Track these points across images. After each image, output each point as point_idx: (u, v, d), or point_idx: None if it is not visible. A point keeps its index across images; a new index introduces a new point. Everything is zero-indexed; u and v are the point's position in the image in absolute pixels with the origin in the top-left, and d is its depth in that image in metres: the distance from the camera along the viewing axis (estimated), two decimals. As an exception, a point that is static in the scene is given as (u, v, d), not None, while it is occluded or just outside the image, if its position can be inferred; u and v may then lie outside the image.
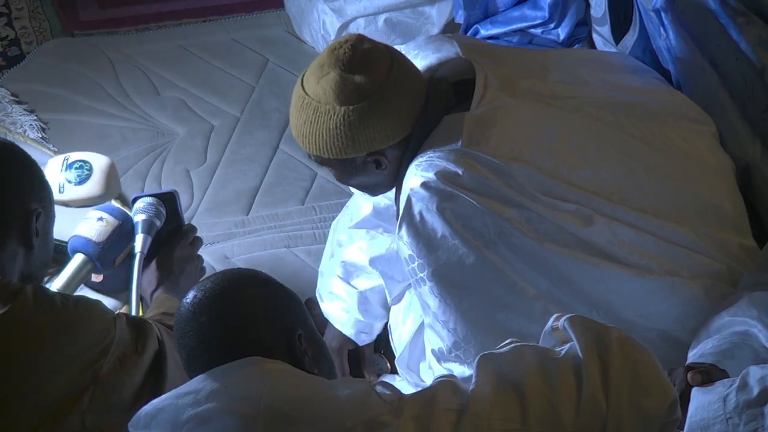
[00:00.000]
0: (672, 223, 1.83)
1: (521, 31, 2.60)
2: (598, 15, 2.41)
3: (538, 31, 2.57)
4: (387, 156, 1.80)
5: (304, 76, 1.80)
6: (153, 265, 1.94)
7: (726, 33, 2.02)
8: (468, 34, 2.66)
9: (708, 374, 1.48)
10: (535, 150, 1.79)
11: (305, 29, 3.00)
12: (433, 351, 1.87)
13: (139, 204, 1.96)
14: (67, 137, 2.69)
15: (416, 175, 1.75)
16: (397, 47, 1.90)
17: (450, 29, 2.76)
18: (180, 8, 3.18)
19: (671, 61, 2.14)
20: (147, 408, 1.36)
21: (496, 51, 2.02)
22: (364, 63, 1.74)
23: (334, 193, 2.58)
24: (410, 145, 1.79)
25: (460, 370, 1.82)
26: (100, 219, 1.93)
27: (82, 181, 2.21)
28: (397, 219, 1.79)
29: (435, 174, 1.73)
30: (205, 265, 2.04)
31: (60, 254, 1.94)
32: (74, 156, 2.24)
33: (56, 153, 2.59)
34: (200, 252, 2.06)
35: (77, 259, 1.89)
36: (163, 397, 1.37)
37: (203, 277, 1.76)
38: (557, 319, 1.38)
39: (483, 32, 2.63)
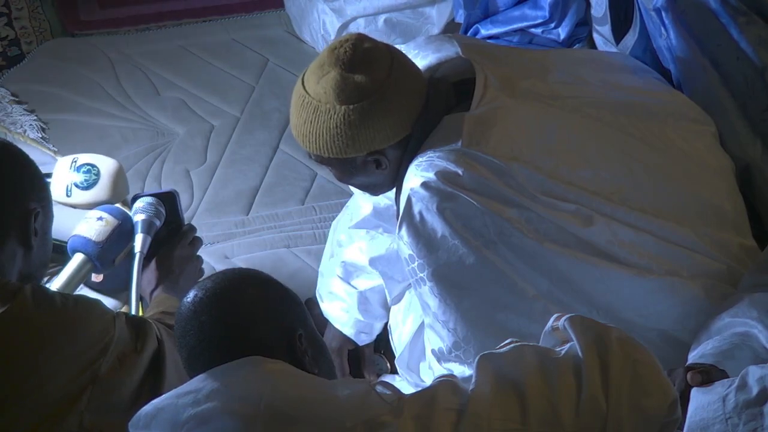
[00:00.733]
0: (672, 223, 1.83)
1: (521, 30, 2.60)
2: (598, 15, 2.41)
3: (539, 30, 2.57)
4: (387, 156, 1.79)
5: (304, 75, 1.80)
6: (153, 264, 1.94)
7: (727, 32, 2.01)
8: (468, 33, 2.66)
9: (708, 374, 1.47)
10: (535, 150, 1.79)
11: (305, 29, 3.00)
12: (433, 351, 1.87)
13: (139, 204, 1.96)
14: (67, 137, 2.69)
15: (416, 175, 1.75)
16: (397, 47, 1.90)
17: (450, 29, 2.76)
18: (180, 8, 3.18)
19: (672, 60, 2.13)
20: (147, 408, 1.36)
21: (496, 51, 2.02)
22: (365, 62, 1.74)
23: (334, 193, 2.58)
24: (410, 145, 1.79)
25: (461, 370, 1.82)
26: (100, 219, 1.93)
27: (89, 185, 2.21)
28: (397, 219, 1.79)
29: (435, 174, 1.73)
30: (204, 265, 2.04)
31: (60, 254, 1.94)
32: (83, 158, 2.24)
33: (56, 153, 2.59)
34: (200, 252, 2.06)
35: (77, 258, 1.89)
36: (163, 396, 1.37)
37: (204, 277, 1.76)
38: (557, 319, 1.38)
39: (483, 32, 2.63)
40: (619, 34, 2.33)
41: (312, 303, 2.21)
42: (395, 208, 1.87)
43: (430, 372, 1.91)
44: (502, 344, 1.38)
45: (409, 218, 1.76)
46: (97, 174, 2.22)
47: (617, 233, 1.79)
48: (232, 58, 2.99)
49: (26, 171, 1.68)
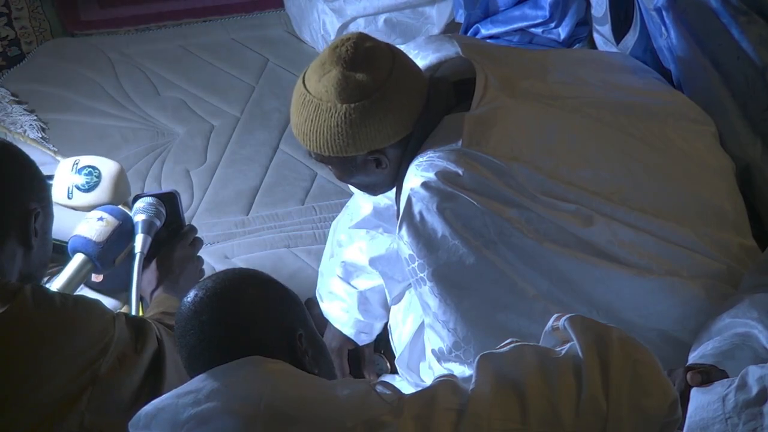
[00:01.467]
0: (672, 223, 1.83)
1: (522, 30, 2.60)
2: (598, 14, 2.41)
3: (539, 30, 2.57)
4: (387, 155, 1.79)
5: (305, 74, 1.80)
6: (153, 264, 1.94)
7: (727, 32, 2.01)
8: (468, 33, 2.65)
9: (707, 374, 1.47)
10: (535, 150, 1.79)
11: (305, 29, 3.00)
12: (433, 351, 1.87)
13: (139, 204, 1.96)
14: (67, 137, 2.69)
15: (416, 175, 1.75)
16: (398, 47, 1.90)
17: (450, 29, 2.76)
18: (180, 8, 3.18)
19: (672, 60, 2.13)
20: (147, 408, 1.36)
21: (496, 51, 2.02)
22: (366, 61, 1.74)
23: (334, 193, 2.58)
24: (410, 145, 1.79)
25: (461, 370, 1.82)
26: (100, 219, 1.93)
27: (90, 188, 2.21)
28: (398, 219, 1.79)
29: (435, 174, 1.73)
30: (205, 265, 2.03)
31: (60, 254, 1.94)
32: (84, 160, 2.24)
33: (56, 153, 2.59)
34: (200, 252, 2.06)
35: (77, 258, 1.89)
36: (163, 396, 1.37)
37: (204, 277, 1.76)
38: (557, 319, 1.38)
39: (483, 32, 2.63)
40: (619, 33, 2.33)
41: (312, 303, 2.21)
42: (395, 208, 1.87)
43: (430, 372, 1.91)
44: (502, 344, 1.38)
45: (409, 218, 1.76)
46: (99, 176, 2.22)
47: (617, 233, 1.79)
48: (232, 58, 2.99)
49: (26, 171, 1.68)
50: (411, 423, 1.28)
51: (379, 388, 1.34)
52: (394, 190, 1.87)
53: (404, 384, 2.02)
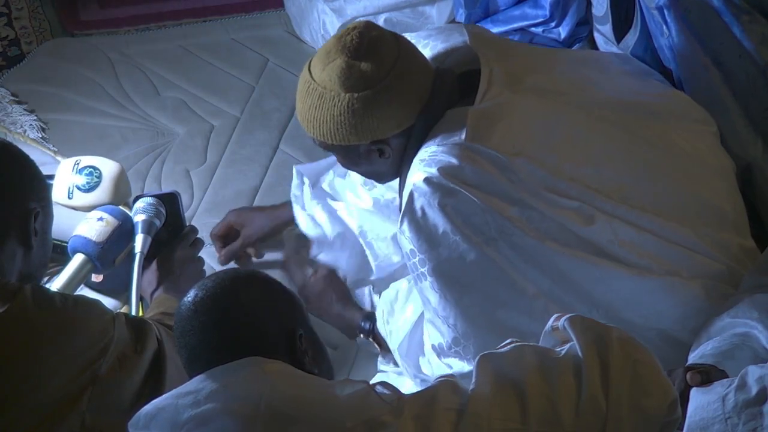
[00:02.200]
0: (672, 223, 1.83)
1: (522, 29, 2.59)
2: (599, 14, 2.41)
3: (539, 29, 2.57)
4: (390, 145, 1.80)
5: (311, 61, 1.80)
6: (153, 265, 1.94)
7: (729, 31, 2.01)
8: (469, 33, 2.65)
9: (707, 374, 1.47)
10: (539, 146, 1.79)
11: (305, 29, 3.00)
12: (433, 346, 1.87)
13: (140, 204, 1.96)
14: (67, 137, 2.69)
15: (419, 170, 1.75)
16: (408, 35, 1.90)
17: (450, 29, 2.76)
18: (180, 8, 3.18)
19: (673, 59, 2.13)
20: (147, 408, 1.36)
21: (505, 44, 2.01)
22: (371, 51, 1.74)
23: (334, 193, 2.57)
24: (414, 136, 1.80)
25: (460, 366, 1.83)
26: (101, 219, 1.93)
27: (91, 188, 2.22)
28: (400, 212, 1.79)
29: (438, 170, 1.73)
30: (205, 266, 2.03)
31: (60, 254, 1.94)
32: (85, 161, 2.25)
33: (56, 153, 2.59)
34: (201, 253, 2.07)
35: (77, 259, 1.90)
36: (163, 396, 1.37)
37: (205, 277, 1.76)
38: (557, 318, 1.38)
39: (483, 31, 2.63)
40: (620, 33, 2.33)
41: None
42: (399, 200, 1.87)
43: (428, 366, 1.91)
44: (502, 344, 1.38)
45: (411, 214, 1.76)
46: (99, 177, 2.23)
47: (618, 232, 1.79)
48: (232, 58, 2.99)
49: (26, 171, 1.68)
50: (411, 423, 1.28)
51: (378, 388, 1.34)
52: (398, 182, 1.87)
53: (402, 382, 2.01)
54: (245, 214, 2.28)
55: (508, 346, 1.36)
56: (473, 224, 1.75)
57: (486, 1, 2.63)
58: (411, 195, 1.76)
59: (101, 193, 2.22)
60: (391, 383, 1.37)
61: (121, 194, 2.25)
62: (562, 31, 2.53)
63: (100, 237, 1.90)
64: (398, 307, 2.04)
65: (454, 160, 1.73)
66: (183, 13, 3.16)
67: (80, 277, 1.90)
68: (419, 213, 1.75)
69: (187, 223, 2.07)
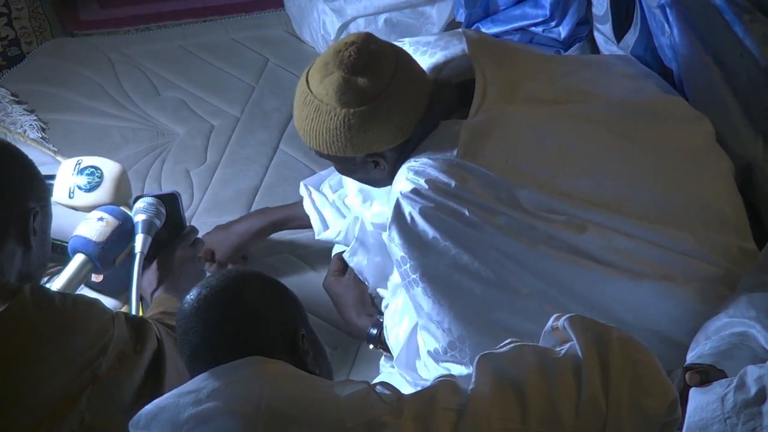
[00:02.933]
0: (670, 229, 1.82)
1: (522, 29, 2.59)
2: (599, 13, 2.41)
3: (539, 29, 2.57)
4: (386, 157, 1.80)
5: (309, 71, 1.79)
6: (154, 265, 1.94)
7: (731, 30, 2.01)
8: (469, 33, 2.65)
9: (706, 374, 1.47)
10: (532, 160, 1.79)
11: (305, 29, 3.00)
12: (428, 352, 1.87)
13: (140, 204, 1.96)
14: (67, 137, 2.69)
15: (407, 179, 1.75)
16: (408, 41, 1.90)
17: (450, 29, 2.75)
18: (180, 8, 3.18)
19: (674, 58, 2.13)
20: (148, 407, 1.36)
21: (504, 51, 1.98)
22: (369, 66, 1.73)
23: (333, 193, 2.57)
24: (408, 147, 1.80)
25: (458, 370, 1.82)
26: (101, 219, 1.93)
27: (92, 188, 2.22)
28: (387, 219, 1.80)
29: (426, 182, 1.73)
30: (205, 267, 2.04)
31: (60, 254, 1.94)
32: (87, 161, 2.25)
33: (56, 153, 2.59)
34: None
35: (77, 259, 1.90)
36: (164, 396, 1.37)
37: (207, 276, 1.76)
38: (557, 318, 1.38)
39: (484, 31, 2.63)
40: (620, 32, 2.33)
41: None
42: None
43: (425, 369, 1.91)
44: (501, 344, 1.38)
45: (399, 220, 1.76)
46: (100, 177, 2.23)
47: (612, 241, 1.79)
48: (232, 58, 2.99)
49: (26, 171, 1.68)
50: (411, 423, 1.28)
51: (378, 389, 1.34)
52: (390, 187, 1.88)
53: (403, 382, 2.01)
54: (213, 237, 2.27)
55: (508, 346, 1.36)
56: (462, 232, 1.75)
57: (486, 0, 2.63)
58: (398, 202, 1.76)
59: (102, 193, 2.22)
60: (391, 383, 1.37)
61: (122, 195, 2.25)
62: (563, 31, 2.53)
63: (101, 237, 1.90)
64: (397, 320, 2.05)
65: (443, 176, 1.73)
66: (183, 13, 3.16)
67: (80, 277, 1.90)
68: (408, 219, 1.75)
69: (187, 223, 2.07)
